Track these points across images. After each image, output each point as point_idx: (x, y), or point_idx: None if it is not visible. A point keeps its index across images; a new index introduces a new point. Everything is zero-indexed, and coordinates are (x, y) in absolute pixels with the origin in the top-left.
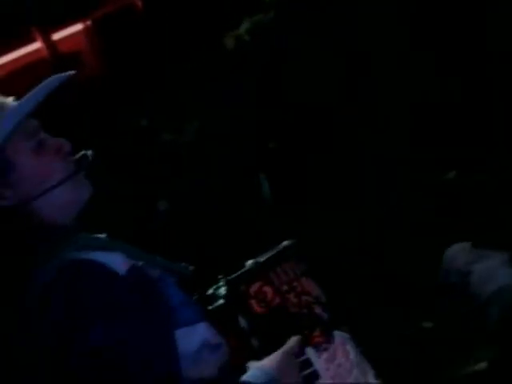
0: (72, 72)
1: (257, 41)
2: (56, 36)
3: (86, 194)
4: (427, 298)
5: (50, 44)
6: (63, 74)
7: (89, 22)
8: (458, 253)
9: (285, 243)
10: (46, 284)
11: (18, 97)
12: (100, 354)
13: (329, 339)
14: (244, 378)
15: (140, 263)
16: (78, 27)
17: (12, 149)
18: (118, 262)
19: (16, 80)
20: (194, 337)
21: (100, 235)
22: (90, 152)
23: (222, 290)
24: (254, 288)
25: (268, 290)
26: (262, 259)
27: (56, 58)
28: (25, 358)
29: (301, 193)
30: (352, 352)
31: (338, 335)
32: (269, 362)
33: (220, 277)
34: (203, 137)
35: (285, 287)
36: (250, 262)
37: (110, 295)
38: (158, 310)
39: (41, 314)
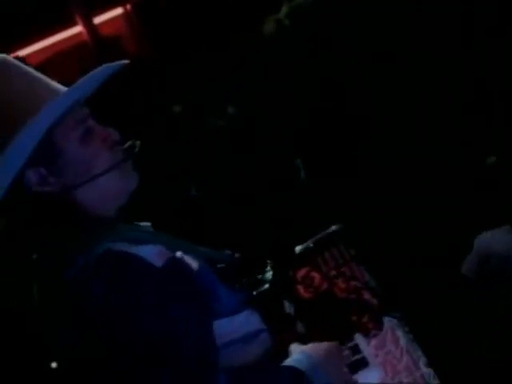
0: (124, 61)
1: (296, 25)
2: (97, 20)
3: (132, 185)
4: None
5: (90, 28)
6: (115, 64)
7: (129, 7)
8: (496, 237)
9: (333, 228)
10: (86, 270)
11: (59, 79)
12: (138, 345)
13: (378, 325)
14: (287, 362)
15: (179, 254)
16: (118, 11)
17: (60, 135)
18: (154, 254)
19: (57, 62)
20: (235, 326)
21: (143, 224)
22: (137, 142)
23: (269, 275)
24: (301, 273)
25: (315, 275)
26: (310, 244)
27: (96, 41)
28: (64, 339)
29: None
30: (402, 339)
31: (388, 321)
32: (314, 346)
33: (268, 262)
34: (240, 122)
35: (333, 272)
36: (299, 247)
37: (147, 287)
38: (194, 301)
39: (80, 300)
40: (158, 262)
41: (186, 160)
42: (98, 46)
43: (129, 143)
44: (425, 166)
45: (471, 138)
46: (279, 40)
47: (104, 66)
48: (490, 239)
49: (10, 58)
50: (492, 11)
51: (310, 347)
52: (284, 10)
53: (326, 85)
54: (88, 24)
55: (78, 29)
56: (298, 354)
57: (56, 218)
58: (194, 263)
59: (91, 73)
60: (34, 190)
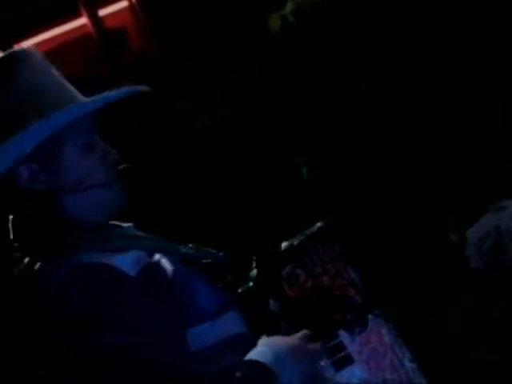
0: (146, 88)
1: (301, 22)
2: (102, 12)
3: (119, 204)
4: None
5: (95, 20)
6: (138, 87)
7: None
8: (483, 222)
9: (319, 224)
10: (60, 285)
11: (63, 71)
12: (107, 359)
13: (363, 323)
14: (250, 354)
15: (156, 259)
16: (123, 4)
17: (64, 140)
18: (130, 263)
19: (62, 54)
20: (216, 331)
21: (126, 225)
22: (132, 164)
23: (254, 273)
24: (286, 270)
25: (301, 272)
26: (295, 241)
27: (101, 33)
28: (38, 349)
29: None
30: (387, 336)
31: (373, 319)
32: (279, 338)
33: (254, 258)
34: (242, 119)
35: (318, 269)
36: (284, 244)
37: (119, 300)
38: (169, 310)
39: (54, 314)
40: (133, 270)
41: (185, 158)
42: (103, 39)
43: (124, 165)
44: (425, 166)
45: (471, 138)
46: (283, 37)
47: (128, 87)
48: (479, 225)
49: (38, 52)
50: (492, 11)
51: (274, 339)
52: (289, 6)
53: (326, 85)
54: (93, 16)
55: (82, 20)
56: (262, 345)
57: (39, 219)
58: (172, 267)
59: (113, 91)
60: (23, 185)
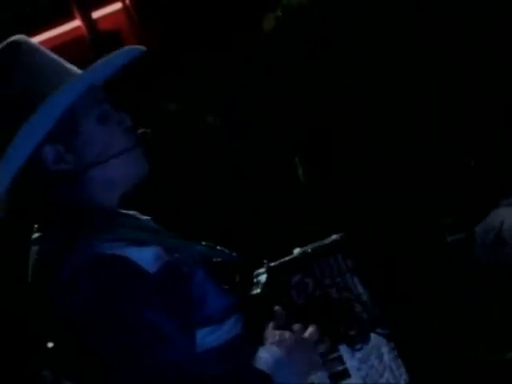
0: (143, 47)
1: (293, 22)
2: (95, 14)
3: (142, 170)
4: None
5: (89, 22)
6: (136, 47)
7: (128, 1)
8: (491, 215)
9: (334, 236)
10: (73, 276)
11: None
12: (109, 361)
13: (364, 339)
14: (252, 360)
15: (176, 256)
16: (117, 6)
17: (80, 113)
18: (150, 259)
19: None
20: (220, 334)
21: (144, 218)
22: (149, 130)
23: (263, 278)
24: (295, 278)
25: (309, 281)
26: (308, 250)
27: (95, 36)
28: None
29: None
30: (386, 355)
31: (375, 336)
32: (278, 343)
33: (264, 262)
34: (238, 120)
35: (327, 281)
36: (296, 251)
37: (133, 295)
38: (183, 309)
39: (65, 305)
40: (154, 266)
41: (185, 159)
42: (97, 41)
43: (142, 130)
44: (425, 166)
45: (471, 138)
46: (278, 38)
47: (125, 49)
48: (487, 219)
49: (29, 39)
50: (492, 11)
51: (275, 343)
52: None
53: (325, 85)
54: (86, 18)
55: (76, 23)
56: (264, 350)
57: (62, 204)
58: (188, 265)
59: (111, 55)
60: (50, 168)
